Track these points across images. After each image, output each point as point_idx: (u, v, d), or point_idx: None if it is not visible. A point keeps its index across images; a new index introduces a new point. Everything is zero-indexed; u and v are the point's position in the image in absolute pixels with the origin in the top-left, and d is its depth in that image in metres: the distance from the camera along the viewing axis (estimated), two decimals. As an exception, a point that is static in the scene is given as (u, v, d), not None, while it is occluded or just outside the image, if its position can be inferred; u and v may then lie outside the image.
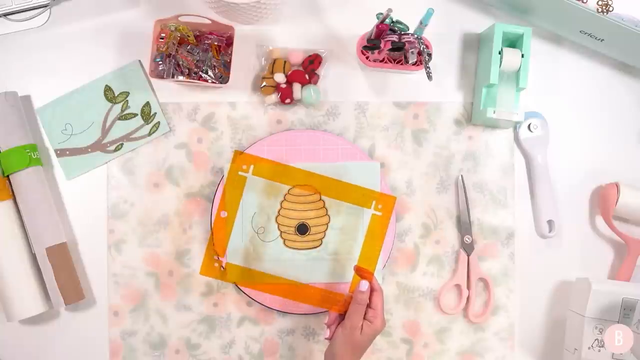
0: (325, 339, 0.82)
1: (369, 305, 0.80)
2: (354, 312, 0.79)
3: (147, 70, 0.90)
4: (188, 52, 0.89)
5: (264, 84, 0.91)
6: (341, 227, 0.91)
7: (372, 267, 0.89)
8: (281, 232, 0.91)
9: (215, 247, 0.89)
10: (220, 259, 0.90)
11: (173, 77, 0.89)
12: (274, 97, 0.92)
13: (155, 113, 0.93)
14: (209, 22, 0.88)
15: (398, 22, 0.87)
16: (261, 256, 0.91)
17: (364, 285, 0.80)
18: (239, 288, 0.91)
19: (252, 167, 0.89)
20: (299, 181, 0.90)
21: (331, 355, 0.80)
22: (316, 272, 0.91)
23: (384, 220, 0.90)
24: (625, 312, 0.86)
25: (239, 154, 0.90)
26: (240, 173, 0.90)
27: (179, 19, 0.89)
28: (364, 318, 0.80)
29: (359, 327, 0.79)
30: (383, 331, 0.92)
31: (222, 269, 0.89)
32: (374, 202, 0.90)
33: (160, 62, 0.89)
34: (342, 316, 0.82)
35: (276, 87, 0.91)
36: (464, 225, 0.93)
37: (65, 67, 0.93)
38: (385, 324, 0.81)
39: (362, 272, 0.82)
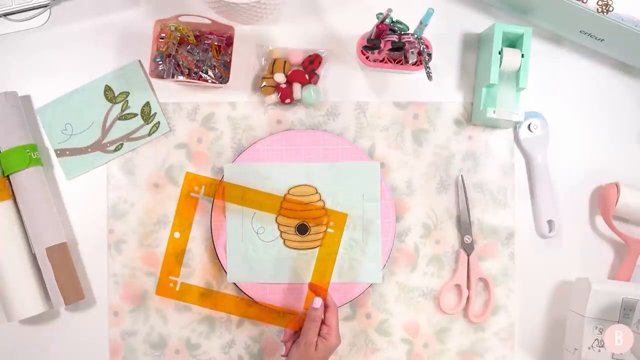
0: (282, 355, 0.83)
1: (323, 322, 0.81)
2: (309, 329, 0.80)
3: (147, 70, 0.90)
4: (188, 52, 0.89)
5: (264, 84, 0.91)
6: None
7: (326, 283, 0.90)
8: (281, 232, 0.91)
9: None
10: (175, 278, 0.91)
11: (173, 77, 0.89)
12: (274, 97, 0.92)
13: (155, 113, 0.93)
14: (209, 22, 0.88)
15: (398, 22, 0.87)
16: (261, 256, 0.91)
17: (317, 302, 0.81)
18: (239, 288, 0.91)
19: (203, 187, 0.90)
20: (254, 204, 0.90)
21: None
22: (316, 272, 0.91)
23: (335, 237, 0.90)
24: (625, 312, 0.86)
25: (189, 176, 0.91)
26: (191, 194, 0.91)
27: (179, 19, 0.89)
28: (319, 335, 0.80)
29: (313, 343, 0.79)
30: (383, 331, 0.93)
31: (177, 289, 0.91)
32: (326, 219, 0.90)
33: (160, 62, 0.89)
34: (297, 333, 0.83)
35: (276, 87, 0.91)
36: (464, 225, 0.93)
37: (65, 67, 0.93)
38: (341, 341, 0.82)
39: (315, 289, 0.84)
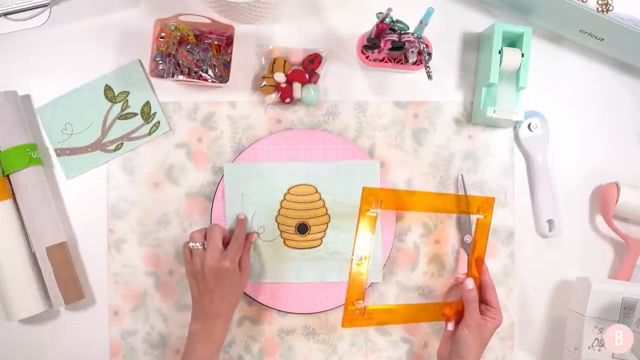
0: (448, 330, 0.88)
1: (487, 304, 0.85)
2: (473, 310, 0.84)
3: (147, 70, 0.90)
4: (188, 51, 0.89)
5: (264, 83, 0.91)
6: (341, 227, 0.91)
7: (480, 267, 0.90)
8: (281, 231, 0.91)
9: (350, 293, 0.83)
10: (359, 304, 0.83)
11: (173, 76, 0.89)
12: (274, 97, 0.92)
13: (155, 112, 0.93)
14: (209, 21, 0.88)
15: (398, 21, 0.87)
16: (261, 256, 0.91)
17: (470, 283, 0.85)
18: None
19: (380, 202, 0.84)
20: (419, 206, 0.89)
21: (455, 353, 0.83)
22: (316, 272, 0.91)
23: (486, 222, 0.90)
24: (625, 312, 0.86)
25: (366, 191, 0.82)
26: (370, 211, 0.83)
27: (179, 18, 0.89)
28: (487, 316, 0.84)
29: (481, 322, 0.83)
30: (383, 330, 0.93)
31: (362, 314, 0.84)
32: (477, 208, 0.90)
33: (160, 62, 0.89)
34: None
35: (276, 87, 0.91)
36: (464, 225, 0.93)
37: (65, 67, 0.93)
38: (503, 317, 0.86)
39: (479, 264, 0.88)
